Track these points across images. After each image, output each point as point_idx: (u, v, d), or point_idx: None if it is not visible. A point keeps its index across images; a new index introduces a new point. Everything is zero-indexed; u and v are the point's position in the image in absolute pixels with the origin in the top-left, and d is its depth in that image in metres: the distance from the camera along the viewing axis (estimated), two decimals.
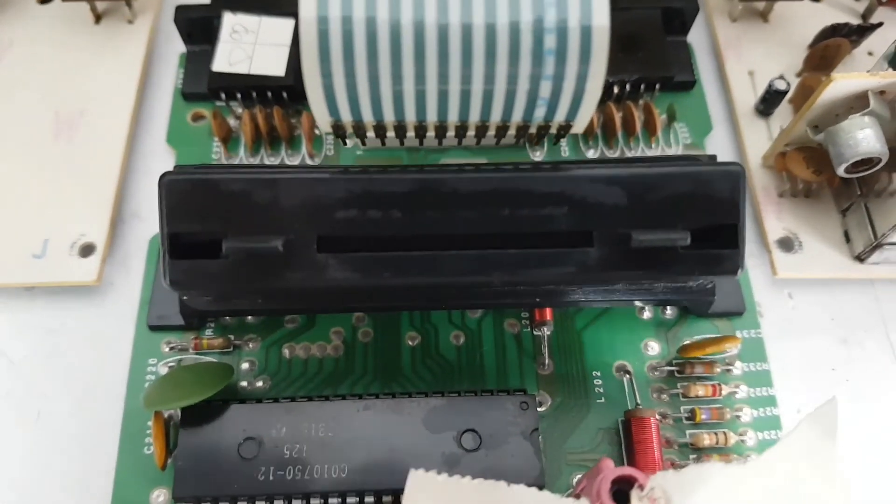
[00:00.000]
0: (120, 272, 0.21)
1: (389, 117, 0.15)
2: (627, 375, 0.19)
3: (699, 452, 0.18)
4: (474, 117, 0.14)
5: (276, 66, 0.21)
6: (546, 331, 0.19)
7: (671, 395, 0.19)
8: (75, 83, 0.23)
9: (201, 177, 0.15)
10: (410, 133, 0.16)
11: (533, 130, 0.15)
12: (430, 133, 0.16)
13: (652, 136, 0.22)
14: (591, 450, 0.18)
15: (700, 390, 0.19)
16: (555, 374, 0.19)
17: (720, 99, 0.24)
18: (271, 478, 0.17)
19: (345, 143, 0.17)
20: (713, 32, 0.24)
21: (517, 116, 0.14)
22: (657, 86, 0.22)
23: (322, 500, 0.17)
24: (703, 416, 0.19)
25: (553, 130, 0.15)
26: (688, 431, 0.19)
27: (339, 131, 0.15)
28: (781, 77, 0.22)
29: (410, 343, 0.19)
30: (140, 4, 0.24)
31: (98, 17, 0.24)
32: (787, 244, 0.21)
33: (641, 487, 0.15)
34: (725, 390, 0.19)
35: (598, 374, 0.19)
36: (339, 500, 0.17)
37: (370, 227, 0.15)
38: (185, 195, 0.15)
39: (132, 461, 0.18)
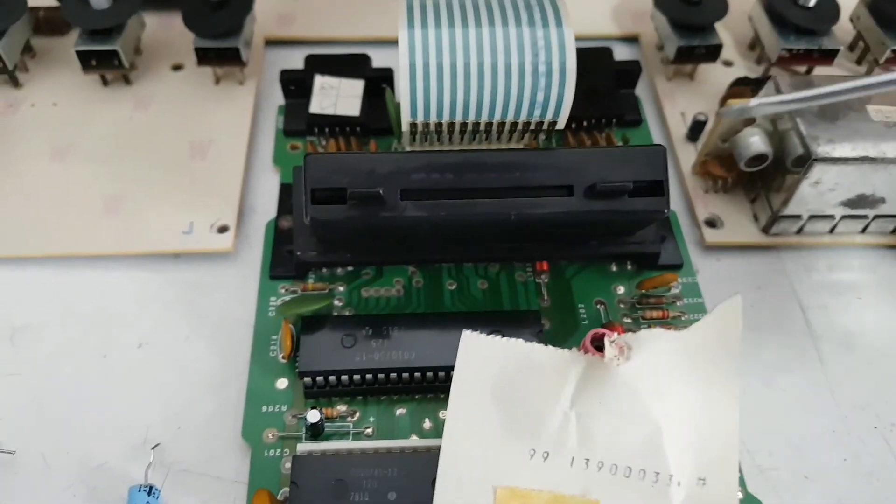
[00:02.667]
0: (243, 246, 0.29)
1: (446, 118, 0.24)
2: (602, 306, 0.27)
3: None
4: (497, 117, 0.24)
5: (352, 109, 0.31)
6: (544, 278, 0.28)
7: (633, 318, 0.27)
8: (203, 123, 0.32)
9: (330, 154, 0.24)
10: (450, 130, 0.25)
11: (532, 127, 0.24)
12: (457, 132, 0.25)
13: None
14: None
15: (654, 314, 0.27)
16: (551, 306, 0.27)
17: (661, 132, 0.33)
18: (364, 358, 0.24)
19: (413, 140, 0.26)
20: (654, 87, 0.34)
21: (523, 116, 0.24)
22: (614, 121, 0.32)
23: (397, 375, 0.24)
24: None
25: (545, 126, 0.24)
26: (622, 335, 0.26)
27: (412, 128, 0.24)
28: (702, 113, 0.32)
29: (450, 288, 0.28)
30: (248, 71, 0.33)
31: (218, 80, 0.33)
32: (712, 223, 0.30)
33: (611, 339, 0.23)
34: (672, 315, 0.27)
35: (582, 306, 0.27)
36: (409, 374, 0.24)
37: (432, 184, 0.24)
38: (320, 164, 0.24)
39: (261, 362, 0.26)
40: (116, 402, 0.25)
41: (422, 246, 0.27)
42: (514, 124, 0.24)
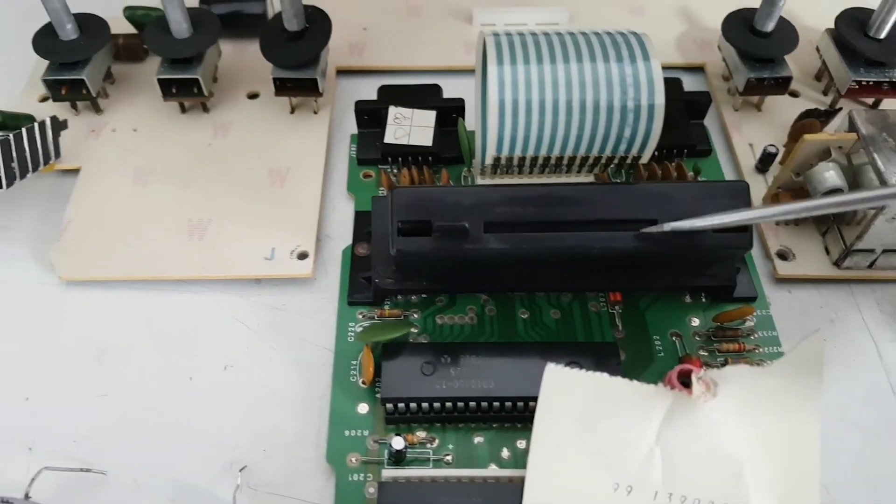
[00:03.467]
0: (321, 272, 0.30)
1: (531, 153, 0.24)
2: (678, 338, 0.28)
3: None
4: (582, 152, 0.24)
5: (425, 140, 0.31)
6: (618, 309, 0.28)
7: (709, 350, 0.27)
8: (281, 151, 0.33)
9: (415, 188, 0.25)
10: (532, 164, 0.25)
11: (616, 161, 0.25)
12: (538, 165, 0.26)
13: None
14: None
15: (730, 346, 0.27)
16: (626, 337, 0.28)
17: (729, 162, 0.33)
18: (444, 386, 0.25)
19: (494, 173, 0.26)
20: (721, 118, 0.35)
21: (608, 151, 0.24)
22: (685, 151, 0.32)
23: (476, 403, 0.25)
24: (734, 363, 0.27)
25: (629, 160, 0.25)
26: (707, 371, 0.26)
27: (495, 162, 0.25)
28: (773, 145, 0.32)
29: (522, 317, 0.28)
30: (322, 101, 0.34)
31: (293, 109, 0.34)
32: (783, 255, 0.30)
33: (698, 376, 0.23)
34: (748, 347, 0.27)
35: (658, 338, 0.28)
36: (488, 403, 0.25)
37: (515, 217, 0.24)
38: (406, 197, 0.24)
39: (342, 386, 0.26)
40: (203, 423, 0.26)
41: (496, 275, 0.27)
42: (598, 158, 0.25)
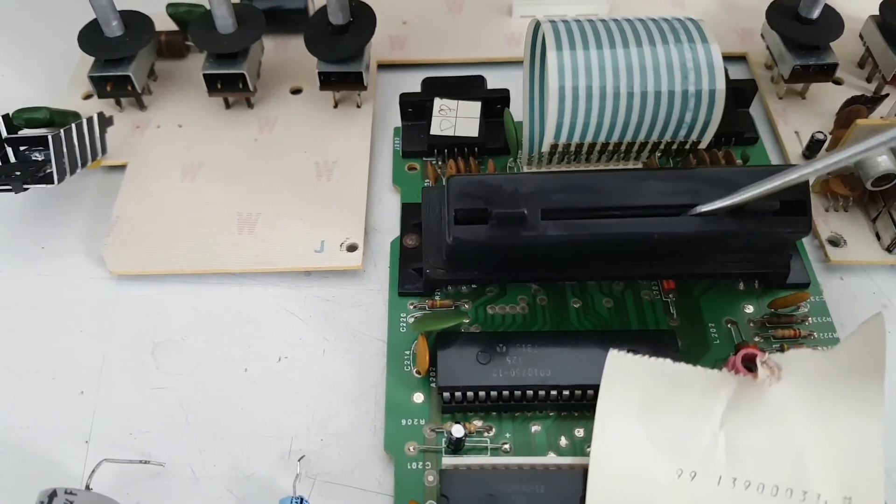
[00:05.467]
0: (369, 263, 0.30)
1: (589, 140, 0.24)
2: (733, 325, 0.27)
3: None
4: (641, 138, 0.24)
5: (471, 130, 0.31)
6: (672, 297, 0.28)
7: (764, 337, 0.27)
8: (327, 145, 0.33)
9: (471, 176, 0.25)
10: (588, 151, 0.25)
11: (675, 146, 0.24)
12: (595, 152, 0.26)
13: None
14: None
15: (786, 333, 0.27)
16: (681, 325, 0.27)
17: (775, 150, 0.33)
18: (500, 375, 0.25)
19: (549, 162, 0.26)
20: (766, 106, 0.34)
21: (668, 136, 0.24)
22: (732, 140, 0.32)
23: (534, 392, 0.25)
24: (790, 349, 0.27)
25: (687, 146, 0.24)
26: (769, 354, 0.26)
27: (551, 149, 0.25)
28: (820, 131, 0.32)
29: (574, 306, 0.28)
30: (365, 95, 0.34)
31: (336, 103, 0.34)
32: (835, 242, 0.30)
33: (762, 360, 0.23)
34: (803, 333, 0.27)
35: (713, 325, 0.27)
36: (546, 392, 0.25)
37: (573, 204, 0.24)
38: (462, 185, 0.24)
39: (396, 375, 0.26)
40: (260, 414, 0.26)
41: (550, 264, 0.27)
42: (657, 144, 0.24)
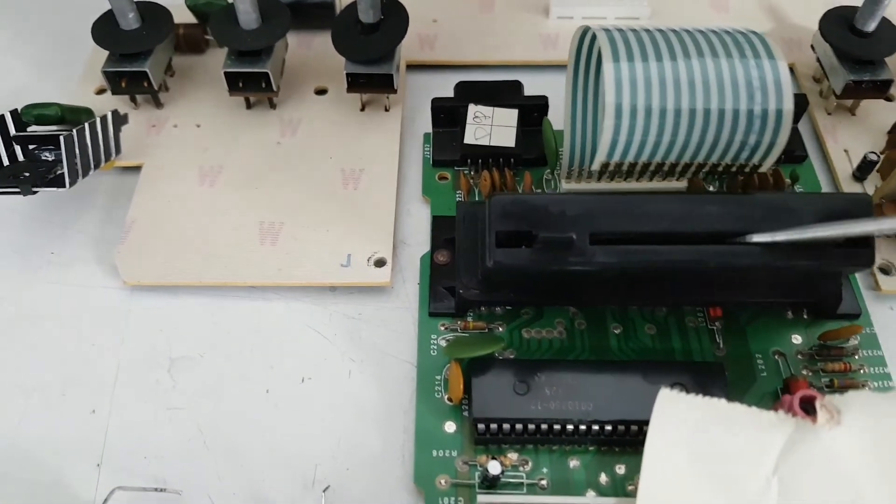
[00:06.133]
0: (398, 279, 0.28)
1: (643, 160, 0.23)
2: (783, 357, 0.26)
3: None
4: (700, 159, 0.23)
5: (507, 140, 0.30)
6: (718, 325, 0.27)
7: (813, 370, 0.26)
8: (354, 150, 0.31)
9: (514, 195, 0.23)
10: (641, 171, 0.24)
11: (734, 169, 0.23)
12: (648, 171, 0.24)
13: None
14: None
15: (835, 366, 0.26)
16: (728, 355, 0.26)
17: (823, 168, 0.32)
18: (539, 407, 0.23)
19: (591, 177, 0.25)
20: (814, 122, 0.33)
21: (728, 159, 0.22)
22: (781, 157, 0.30)
23: (574, 426, 0.23)
24: (839, 384, 0.25)
25: (747, 169, 0.23)
26: (827, 396, 0.25)
27: (602, 168, 0.23)
28: (873, 152, 0.30)
29: (615, 332, 0.27)
30: (393, 98, 0.33)
31: (363, 106, 0.33)
32: (886, 270, 0.28)
33: (822, 403, 0.21)
34: (854, 367, 0.26)
35: (760, 356, 0.26)
36: (587, 426, 0.23)
37: (624, 228, 0.23)
38: (504, 205, 0.23)
39: (427, 402, 0.25)
40: (282, 439, 0.25)
41: (592, 288, 0.26)
42: (715, 166, 0.23)
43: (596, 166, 0.23)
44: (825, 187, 0.31)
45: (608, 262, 0.23)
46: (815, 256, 0.23)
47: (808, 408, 0.22)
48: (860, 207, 0.23)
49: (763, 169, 0.23)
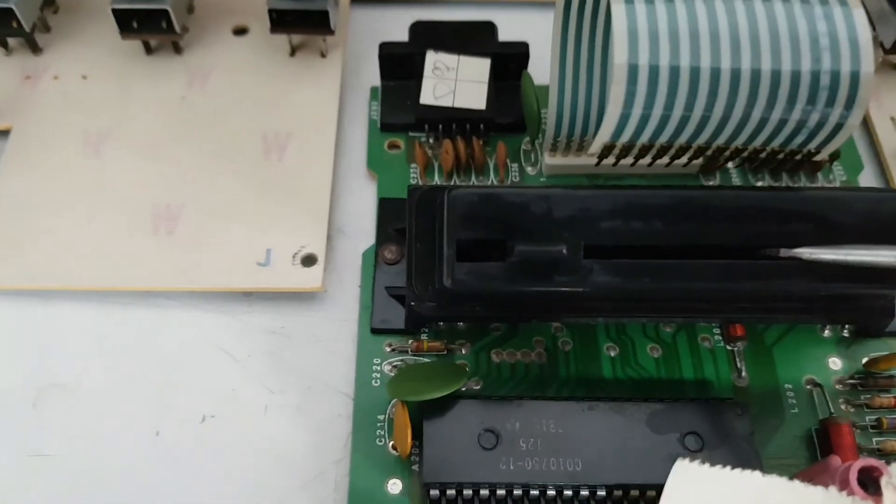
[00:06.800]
0: (333, 280, 0.22)
1: (662, 140, 0.16)
2: (818, 388, 0.21)
3: (888, 458, 0.20)
4: (739, 142, 0.16)
5: (476, 100, 0.23)
6: (740, 346, 0.21)
7: (856, 406, 0.21)
8: (278, 109, 0.25)
9: (481, 189, 0.17)
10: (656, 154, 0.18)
11: (780, 155, 0.17)
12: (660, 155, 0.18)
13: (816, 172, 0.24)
14: (788, 456, 0.20)
15: (884, 401, 0.20)
16: (750, 386, 0.21)
17: (864, 139, 0.26)
18: (512, 467, 0.18)
19: (556, 148, 0.19)
20: None
21: (776, 143, 0.16)
22: None
23: (557, 493, 0.18)
24: (889, 424, 0.20)
25: (798, 157, 0.17)
26: (874, 439, 0.20)
27: (604, 151, 0.17)
28: None
29: (609, 353, 0.21)
30: (332, 40, 0.26)
31: (293, 50, 0.26)
32: None
33: (889, 478, 0.16)
34: None
35: (790, 386, 0.21)
36: (573, 492, 0.18)
37: (628, 236, 0.17)
38: (467, 204, 0.17)
39: (365, 451, 0.19)
40: (174, 496, 0.19)
41: (581, 305, 0.20)
42: (757, 151, 0.17)
43: (596, 148, 0.17)
44: (868, 166, 0.25)
45: (607, 282, 0.17)
46: (864, 277, 0.17)
47: (868, 482, 0.16)
48: None
49: (820, 157, 0.17)
